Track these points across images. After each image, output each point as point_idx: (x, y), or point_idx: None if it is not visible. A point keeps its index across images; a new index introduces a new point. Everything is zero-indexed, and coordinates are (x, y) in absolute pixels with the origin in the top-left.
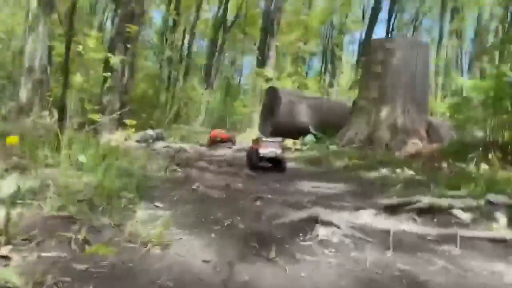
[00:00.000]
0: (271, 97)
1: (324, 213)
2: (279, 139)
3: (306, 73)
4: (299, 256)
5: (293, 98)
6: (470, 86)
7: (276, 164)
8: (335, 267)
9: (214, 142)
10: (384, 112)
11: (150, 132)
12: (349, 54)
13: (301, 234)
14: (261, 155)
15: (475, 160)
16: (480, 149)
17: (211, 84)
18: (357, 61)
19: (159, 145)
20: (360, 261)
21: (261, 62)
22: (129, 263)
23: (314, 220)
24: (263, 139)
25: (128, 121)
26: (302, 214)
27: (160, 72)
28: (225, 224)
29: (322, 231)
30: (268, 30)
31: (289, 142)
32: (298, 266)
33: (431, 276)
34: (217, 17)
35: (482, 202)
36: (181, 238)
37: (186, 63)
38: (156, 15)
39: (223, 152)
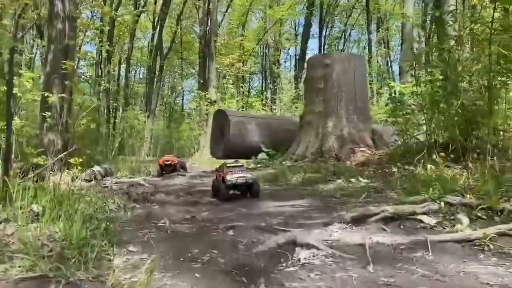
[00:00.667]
0: (220, 120)
1: (300, 235)
2: (239, 162)
3: (249, 92)
4: (288, 284)
5: (242, 118)
6: (405, 92)
7: (248, 190)
8: None
9: (164, 170)
10: (330, 124)
11: (97, 168)
12: (287, 70)
13: (282, 260)
14: (230, 183)
15: (422, 162)
16: (424, 151)
17: (153, 112)
18: (295, 76)
19: (109, 181)
20: (347, 281)
21: (203, 85)
22: None
23: (292, 243)
24: (227, 165)
25: (72, 160)
26: (280, 238)
27: (99, 104)
28: (205, 260)
29: (302, 254)
30: (205, 54)
31: (242, 162)
32: None
33: (415, 285)
34: (152, 45)
35: (442, 204)
36: (165, 284)
37: (124, 93)
38: (89, 47)
39: (178, 181)
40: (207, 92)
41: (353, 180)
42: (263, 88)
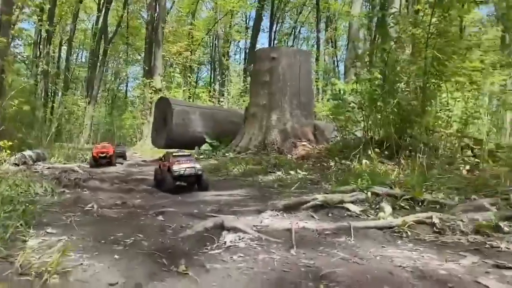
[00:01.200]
0: (163, 108)
1: (228, 220)
2: (187, 152)
3: (196, 83)
4: (209, 266)
5: (186, 107)
6: (346, 89)
7: (196, 181)
8: (245, 271)
9: (98, 159)
10: (274, 118)
11: (28, 153)
12: (236, 63)
13: (208, 243)
14: (177, 173)
15: (357, 157)
16: (361, 147)
17: (94, 98)
18: (244, 69)
19: (41, 166)
20: (268, 262)
21: (148, 73)
22: None
23: (220, 228)
24: (174, 154)
25: (1, 143)
26: (207, 223)
27: (35, 86)
28: (128, 243)
29: (229, 238)
30: (152, 40)
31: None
32: (209, 275)
33: (333, 267)
34: (96, 28)
35: (369, 194)
36: (81, 264)
37: (64, 76)
38: (27, 26)
39: (114, 168)
40: (152, 80)
41: (292, 172)
42: (211, 80)
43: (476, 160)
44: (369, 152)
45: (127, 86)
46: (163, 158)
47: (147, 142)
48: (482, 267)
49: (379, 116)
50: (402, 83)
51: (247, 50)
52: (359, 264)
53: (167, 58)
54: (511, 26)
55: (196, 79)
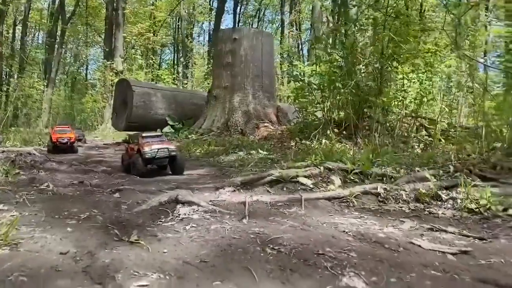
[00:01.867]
0: (123, 90)
1: (183, 194)
2: (160, 133)
3: (159, 65)
4: (161, 235)
5: (147, 89)
6: (307, 71)
7: (170, 163)
8: (196, 239)
9: (58, 144)
10: (237, 99)
11: None
12: (200, 45)
13: (162, 217)
14: (149, 155)
15: (317, 137)
16: (320, 127)
17: (53, 80)
18: (209, 52)
19: None
20: (220, 231)
21: (109, 55)
22: None
23: (174, 202)
24: (143, 134)
25: None
26: (162, 197)
27: None
28: (82, 218)
29: (183, 211)
30: (113, 21)
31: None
32: (161, 244)
33: (281, 233)
34: (53, 7)
35: (322, 169)
36: (32, 236)
37: (20, 58)
38: None
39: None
40: (113, 62)
41: (253, 152)
42: (175, 62)
43: (430, 139)
44: (328, 132)
45: (87, 68)
46: (130, 140)
47: (108, 125)
48: (419, 231)
49: (338, 97)
50: (361, 65)
51: (211, 32)
52: (305, 231)
53: (129, 40)
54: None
55: (159, 61)
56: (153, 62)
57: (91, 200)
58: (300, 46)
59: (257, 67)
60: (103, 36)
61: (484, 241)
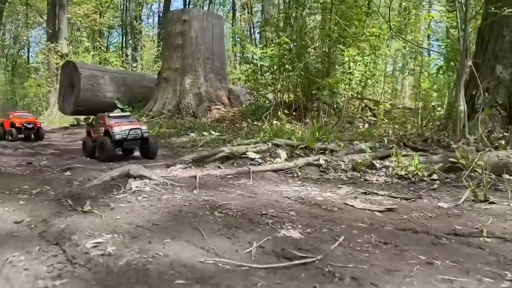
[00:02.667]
0: (69, 73)
1: (135, 169)
2: (128, 113)
3: (107, 48)
4: (114, 205)
5: (94, 71)
6: (258, 53)
7: (141, 146)
8: (148, 207)
9: (23, 130)
10: (188, 82)
11: None
12: (149, 27)
13: (114, 190)
14: (119, 136)
15: (268, 119)
16: (271, 109)
17: None
18: (158, 34)
19: None
20: (171, 200)
21: (52, 37)
22: None
23: (126, 176)
24: (110, 114)
25: None
26: (114, 173)
27: None
28: (34, 193)
29: (135, 184)
30: (56, 1)
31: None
32: (113, 212)
33: (228, 200)
34: None
35: (270, 144)
36: None
37: None
38: None
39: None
40: (57, 45)
41: (205, 133)
42: (123, 45)
43: (374, 119)
44: (279, 114)
45: (28, 51)
46: (93, 122)
47: (54, 110)
48: (354, 194)
49: (288, 80)
50: (310, 48)
51: (161, 14)
52: (252, 198)
53: (73, 21)
54: None
55: (107, 44)
56: (101, 44)
57: (41, 178)
58: (252, 29)
59: (208, 49)
60: (45, 17)
61: (409, 200)
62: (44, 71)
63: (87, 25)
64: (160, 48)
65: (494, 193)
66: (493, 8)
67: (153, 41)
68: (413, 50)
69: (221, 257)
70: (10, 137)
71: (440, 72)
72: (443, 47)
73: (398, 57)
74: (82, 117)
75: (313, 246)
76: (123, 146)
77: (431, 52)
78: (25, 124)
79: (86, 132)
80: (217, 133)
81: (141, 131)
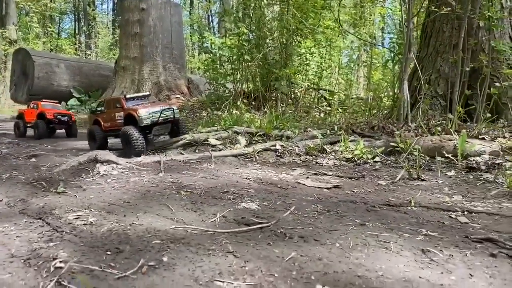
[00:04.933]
0: (22, 60)
1: (102, 154)
2: (146, 93)
3: (58, 34)
4: (85, 187)
5: (49, 59)
6: (217, 43)
7: (172, 130)
8: (118, 188)
9: (55, 121)
10: (147, 71)
11: None
12: (103, 13)
13: (83, 174)
14: (147, 121)
15: (228, 108)
16: (231, 98)
17: None
18: (113, 21)
19: None
20: (139, 182)
21: (0, 22)
22: None
23: (94, 161)
24: (127, 96)
25: None
26: (81, 158)
27: None
28: (4, 177)
29: (102, 168)
30: None
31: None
32: (86, 192)
33: (193, 182)
34: None
35: (230, 132)
36: None
37: None
38: None
39: None
40: (5, 30)
41: None
42: (76, 31)
43: (329, 108)
44: (239, 103)
45: None
46: (102, 108)
47: (2, 99)
48: (306, 175)
49: (247, 70)
50: (268, 39)
51: (115, 0)
52: (214, 179)
53: (22, 5)
54: None
55: (58, 30)
56: (52, 31)
57: (8, 164)
58: (210, 18)
59: (167, 38)
60: None
61: (353, 179)
62: None
63: (37, 10)
64: (115, 36)
65: (427, 172)
66: (433, 7)
67: (108, 28)
68: (366, 43)
69: (189, 225)
70: (37, 131)
71: (388, 64)
72: (390, 42)
73: (352, 49)
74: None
75: (268, 215)
76: (152, 132)
77: (385, 45)
78: (58, 116)
79: (90, 121)
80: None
81: (173, 112)
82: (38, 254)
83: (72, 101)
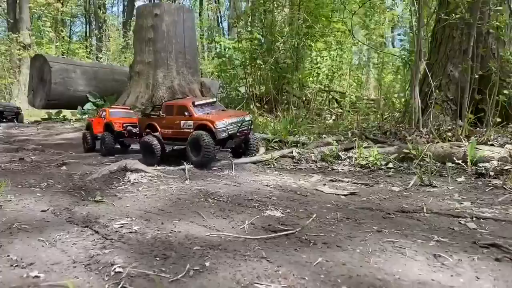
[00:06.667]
0: (40, 66)
1: (131, 163)
2: (213, 99)
3: (70, 38)
4: (120, 195)
5: (65, 65)
6: (230, 47)
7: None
8: (150, 196)
9: (126, 133)
10: (161, 75)
11: None
12: (114, 16)
13: (115, 182)
14: (225, 134)
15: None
16: (244, 102)
17: None
18: (124, 24)
19: None
20: (168, 190)
21: (14, 27)
22: None
23: (123, 170)
24: (196, 102)
25: None
26: (112, 167)
27: None
28: (43, 186)
29: (132, 176)
30: None
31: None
32: (122, 201)
33: (218, 189)
34: None
35: None
36: (10, 200)
37: None
38: None
39: None
40: (19, 35)
41: None
42: (87, 34)
43: (340, 110)
44: (252, 107)
45: None
46: (160, 113)
47: (17, 103)
48: (323, 182)
49: (260, 74)
50: (279, 43)
51: (126, 3)
52: (237, 186)
53: (35, 10)
54: None
55: (70, 34)
56: (63, 34)
57: (42, 173)
58: (219, 19)
59: (180, 43)
60: (4, 5)
61: (368, 186)
62: (5, 62)
63: (50, 15)
64: (126, 39)
65: (438, 178)
66: (443, 15)
67: (118, 30)
68: (376, 45)
69: (222, 232)
70: (103, 147)
71: (399, 71)
72: (402, 48)
73: (362, 52)
74: (53, 111)
75: (292, 222)
76: (226, 146)
77: (395, 44)
78: (128, 127)
79: (141, 125)
80: None
81: (249, 123)
82: (96, 260)
83: (88, 106)
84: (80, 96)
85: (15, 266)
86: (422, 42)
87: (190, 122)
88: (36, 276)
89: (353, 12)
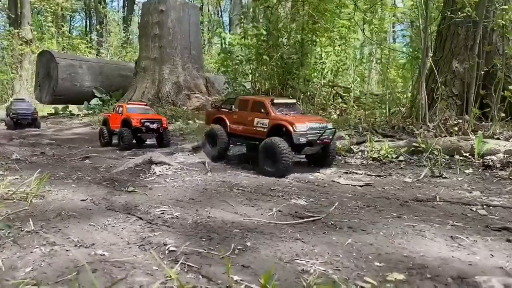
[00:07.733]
0: (46, 62)
1: (156, 156)
2: (293, 100)
3: (70, 33)
4: (150, 186)
5: (71, 61)
6: (234, 43)
7: (323, 150)
8: (178, 187)
9: (143, 129)
10: (167, 71)
11: None
12: (114, 10)
13: (141, 174)
14: (304, 140)
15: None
16: None
17: None
18: (124, 18)
19: None
20: (193, 181)
21: (15, 22)
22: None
23: (148, 163)
24: (275, 101)
25: None
26: (137, 160)
27: None
28: (74, 178)
29: (158, 169)
30: None
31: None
32: (153, 191)
33: (239, 181)
34: None
35: None
36: (50, 191)
37: None
38: None
39: None
40: (21, 30)
41: (190, 122)
42: (87, 29)
43: (345, 105)
44: None
45: None
46: (233, 106)
47: (20, 97)
48: (338, 174)
49: (265, 69)
50: (284, 38)
51: None
52: (256, 178)
53: (36, 5)
54: None
55: (69, 29)
56: (64, 30)
57: (68, 166)
58: (220, 13)
59: (185, 38)
60: (4, 0)
61: (381, 177)
62: (8, 58)
63: (50, 10)
64: (127, 34)
65: (447, 170)
66: (449, 13)
67: (119, 25)
68: (379, 41)
69: (253, 218)
70: (121, 142)
71: (405, 67)
72: (409, 47)
73: (364, 45)
74: (60, 106)
75: (317, 209)
76: (302, 152)
77: (397, 39)
78: (146, 123)
79: (209, 118)
80: (202, 122)
81: (333, 133)
82: (149, 241)
83: (94, 101)
84: (87, 92)
85: (80, 246)
86: (428, 39)
87: (265, 121)
88: (102, 254)
89: (363, 11)
